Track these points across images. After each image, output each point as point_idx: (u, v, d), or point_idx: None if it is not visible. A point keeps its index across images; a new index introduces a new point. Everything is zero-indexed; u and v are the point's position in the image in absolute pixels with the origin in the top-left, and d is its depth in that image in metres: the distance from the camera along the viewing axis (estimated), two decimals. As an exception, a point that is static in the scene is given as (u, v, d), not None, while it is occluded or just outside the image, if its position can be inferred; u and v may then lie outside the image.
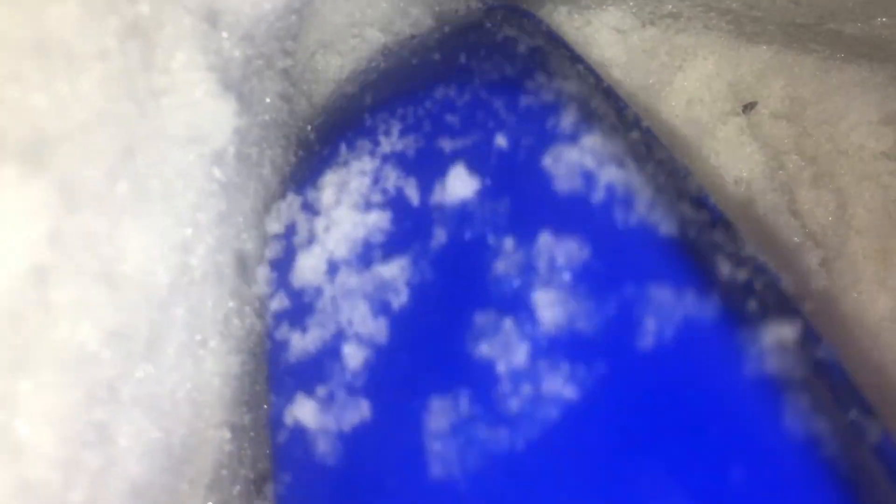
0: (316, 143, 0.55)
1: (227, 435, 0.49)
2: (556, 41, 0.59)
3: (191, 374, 0.47)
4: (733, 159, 0.70)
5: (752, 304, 0.38)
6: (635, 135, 0.47)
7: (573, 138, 0.43)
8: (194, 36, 0.44)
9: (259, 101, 0.54)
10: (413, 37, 0.62)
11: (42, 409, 0.37)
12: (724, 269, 0.39)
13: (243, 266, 0.52)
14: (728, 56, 0.72)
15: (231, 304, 0.50)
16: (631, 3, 0.66)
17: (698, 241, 0.41)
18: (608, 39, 0.69)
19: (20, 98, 0.35)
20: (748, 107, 0.72)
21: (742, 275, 0.40)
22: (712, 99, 0.71)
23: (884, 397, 0.68)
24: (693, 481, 0.35)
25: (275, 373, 0.48)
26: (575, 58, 0.57)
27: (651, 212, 0.40)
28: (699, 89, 0.71)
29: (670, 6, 0.66)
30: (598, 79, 0.55)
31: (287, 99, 0.59)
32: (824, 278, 0.69)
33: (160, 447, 0.44)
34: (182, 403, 0.46)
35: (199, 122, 0.44)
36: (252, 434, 0.53)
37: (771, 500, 0.34)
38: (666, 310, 0.37)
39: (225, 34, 0.47)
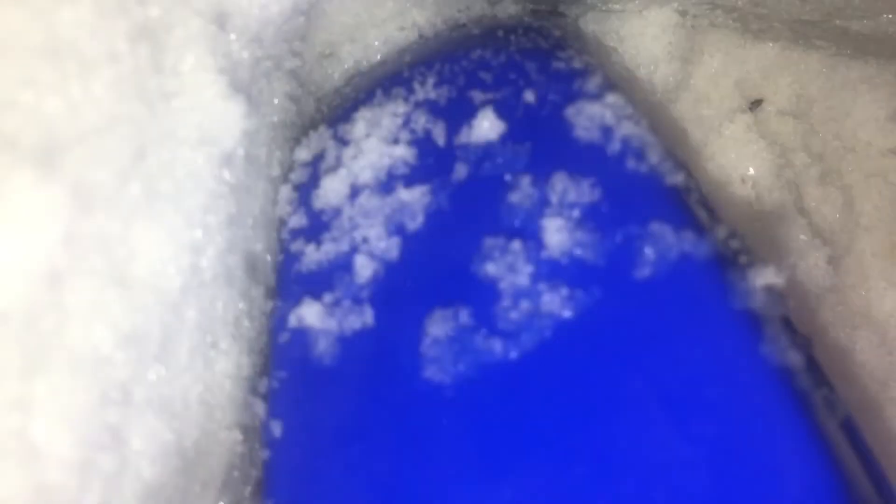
0: (353, 91, 0.59)
1: (239, 436, 0.49)
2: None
3: (202, 376, 0.47)
4: (740, 157, 0.70)
5: (743, 256, 0.41)
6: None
7: (597, 96, 0.48)
8: (203, 38, 0.44)
9: (267, 102, 0.54)
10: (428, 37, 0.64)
11: (57, 412, 0.37)
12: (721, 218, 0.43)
13: (253, 267, 0.52)
14: (734, 54, 0.72)
15: (241, 305, 0.51)
16: (637, 2, 0.66)
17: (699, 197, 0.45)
18: (613, 38, 0.69)
19: (33, 102, 0.35)
20: (755, 104, 0.72)
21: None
22: (719, 97, 0.71)
23: (891, 394, 0.68)
24: (669, 399, 0.38)
25: (284, 281, 0.51)
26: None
27: (661, 163, 0.44)
28: (706, 87, 0.71)
29: (675, 4, 0.66)
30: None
31: (295, 99, 0.59)
32: (832, 276, 0.68)
33: (173, 449, 0.44)
34: (194, 405, 0.46)
35: (209, 124, 0.44)
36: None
37: (740, 421, 0.37)
38: (663, 245, 0.41)
39: (234, 36, 0.47)
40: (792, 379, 0.38)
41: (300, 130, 0.60)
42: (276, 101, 0.55)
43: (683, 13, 0.68)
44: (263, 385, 0.50)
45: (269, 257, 0.54)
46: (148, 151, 0.41)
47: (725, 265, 0.40)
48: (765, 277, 0.40)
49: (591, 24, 0.69)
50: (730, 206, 0.69)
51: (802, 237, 0.68)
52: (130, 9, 0.40)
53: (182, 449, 0.45)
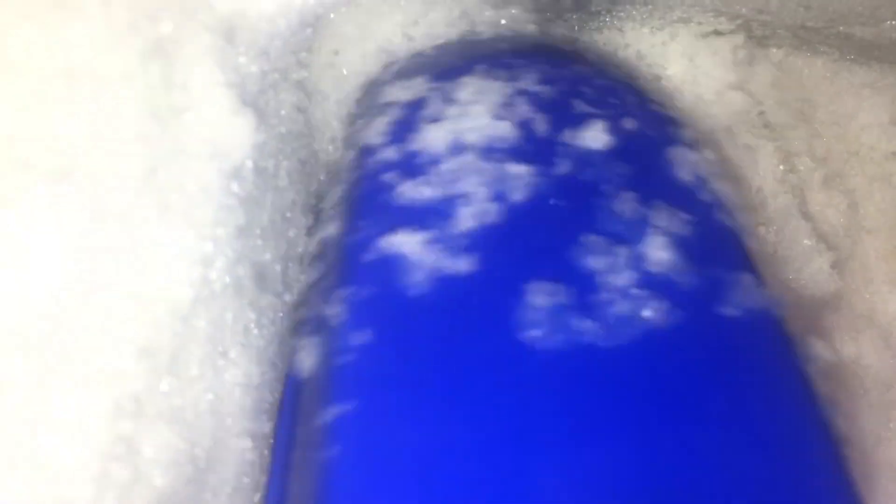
0: (442, 53, 0.62)
1: (249, 444, 0.50)
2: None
3: (212, 385, 0.47)
4: (745, 162, 0.70)
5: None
6: None
7: (694, 147, 0.55)
8: (213, 54, 0.45)
9: (275, 113, 0.55)
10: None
11: (73, 425, 0.38)
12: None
13: (262, 277, 0.53)
14: (739, 59, 0.72)
15: (251, 314, 0.51)
16: (641, 10, 0.67)
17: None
18: (614, 45, 0.69)
19: (50, 121, 0.36)
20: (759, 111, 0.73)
21: None
22: (724, 103, 0.71)
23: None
24: (722, 424, 0.43)
25: (369, 206, 0.52)
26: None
27: (745, 223, 0.51)
28: (709, 93, 0.71)
29: (679, 12, 0.67)
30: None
31: (302, 110, 0.60)
32: (837, 280, 0.69)
33: (184, 457, 0.45)
34: (204, 414, 0.47)
35: (219, 138, 0.45)
36: (272, 442, 0.53)
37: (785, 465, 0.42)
38: (747, 293, 0.47)
39: (242, 50, 0.48)
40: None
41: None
42: (283, 111, 0.56)
43: (687, 21, 0.68)
44: (338, 295, 0.50)
45: (277, 267, 0.55)
46: (159, 167, 0.42)
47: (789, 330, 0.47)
48: (823, 350, 0.46)
49: (595, 35, 0.69)
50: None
51: (807, 242, 0.68)
52: (142, 27, 0.40)
53: (193, 457, 0.46)
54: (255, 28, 0.49)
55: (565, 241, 0.48)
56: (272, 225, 0.54)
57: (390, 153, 0.54)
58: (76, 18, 0.37)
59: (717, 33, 0.70)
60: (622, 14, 0.68)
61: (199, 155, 0.44)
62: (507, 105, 0.55)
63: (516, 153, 0.52)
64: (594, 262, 0.47)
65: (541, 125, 0.54)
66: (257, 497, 0.52)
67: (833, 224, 0.72)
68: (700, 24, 0.69)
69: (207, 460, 0.47)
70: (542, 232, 0.49)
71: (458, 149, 0.52)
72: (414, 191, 0.51)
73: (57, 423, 0.38)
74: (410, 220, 0.50)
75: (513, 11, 0.68)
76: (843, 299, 0.70)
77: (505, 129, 0.53)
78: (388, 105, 0.57)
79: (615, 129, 0.53)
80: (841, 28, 0.68)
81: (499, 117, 0.54)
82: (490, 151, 0.52)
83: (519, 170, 0.51)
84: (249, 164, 0.49)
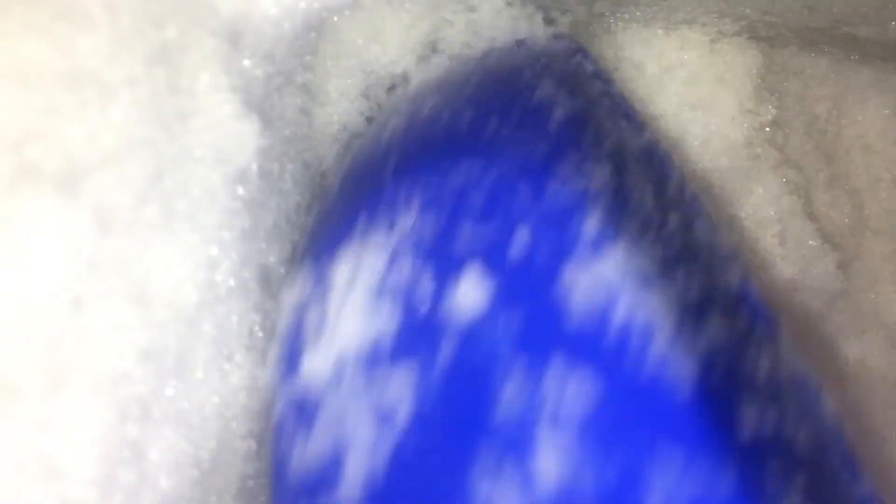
0: (338, 197, 0.54)
1: (254, 446, 0.50)
2: (609, 87, 0.55)
3: (218, 388, 0.48)
4: (748, 164, 0.70)
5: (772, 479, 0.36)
6: (679, 205, 0.44)
7: (596, 247, 0.41)
8: (218, 58, 0.45)
9: (280, 116, 0.55)
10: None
11: (78, 430, 0.38)
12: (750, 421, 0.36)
13: (266, 279, 0.53)
14: (742, 60, 0.72)
15: (255, 317, 0.51)
16: (646, 10, 0.67)
17: (724, 379, 0.38)
18: (614, 48, 0.69)
19: (54, 128, 0.36)
20: (762, 112, 0.73)
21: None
22: (726, 103, 0.71)
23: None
24: None
25: (277, 487, 0.46)
26: (626, 110, 0.52)
27: (671, 348, 0.38)
28: (713, 93, 0.71)
29: (683, 14, 0.67)
30: (644, 128, 0.51)
31: (306, 112, 0.60)
32: (842, 280, 0.69)
33: (190, 461, 0.45)
34: (210, 417, 0.47)
35: (224, 142, 0.45)
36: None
37: None
38: (675, 475, 0.35)
39: (247, 54, 0.48)
40: None
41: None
42: (287, 114, 0.56)
43: (691, 22, 0.68)
44: None
45: (282, 269, 0.55)
46: (165, 172, 0.42)
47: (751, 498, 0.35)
48: None
49: (597, 35, 0.69)
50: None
51: (811, 243, 0.69)
52: (147, 32, 0.41)
53: (199, 460, 0.46)
54: (259, 32, 0.49)
55: (455, 467, 0.39)
56: (276, 228, 0.54)
57: (281, 409, 0.47)
58: (81, 24, 0.38)
59: (721, 34, 0.70)
60: (626, 16, 0.68)
61: (204, 159, 0.44)
62: (388, 269, 0.45)
63: (397, 350, 0.43)
64: (486, 489, 0.38)
65: (423, 287, 0.44)
66: (262, 500, 0.52)
67: (838, 224, 0.72)
68: (704, 24, 0.69)
69: (213, 463, 0.47)
70: (431, 461, 0.41)
71: (338, 372, 0.44)
72: (302, 459, 0.44)
73: (62, 427, 0.38)
74: (304, 494, 0.43)
75: (517, 12, 0.68)
76: (849, 300, 0.71)
77: (383, 318, 0.44)
78: (283, 315, 0.50)
79: (497, 265, 0.42)
80: (845, 28, 0.68)
81: (377, 296, 0.44)
82: (371, 360, 0.43)
83: (399, 378, 0.42)
84: (254, 167, 0.49)
